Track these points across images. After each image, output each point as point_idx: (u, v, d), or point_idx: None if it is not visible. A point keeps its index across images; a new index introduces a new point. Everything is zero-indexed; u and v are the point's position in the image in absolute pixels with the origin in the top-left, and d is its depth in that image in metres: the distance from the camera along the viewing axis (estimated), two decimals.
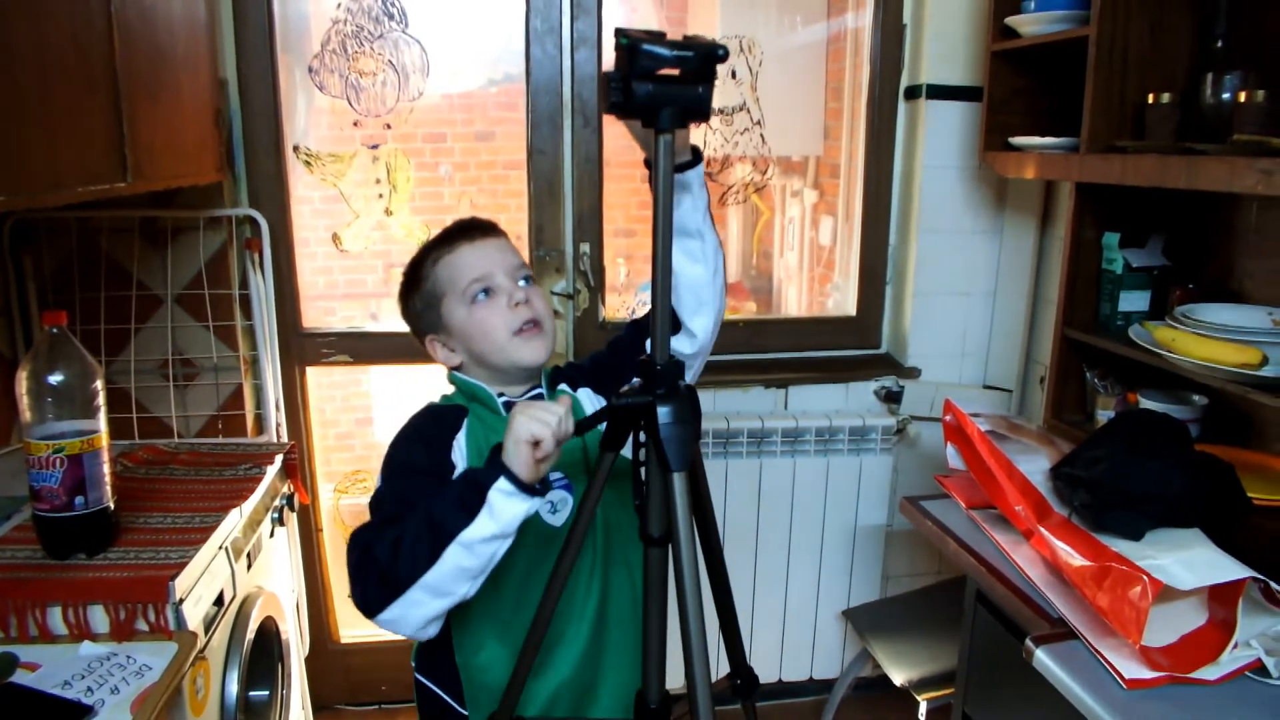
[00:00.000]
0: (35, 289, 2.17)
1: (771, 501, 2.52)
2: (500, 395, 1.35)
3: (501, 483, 1.07)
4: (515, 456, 1.08)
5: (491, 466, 1.09)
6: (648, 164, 1.29)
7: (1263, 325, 1.68)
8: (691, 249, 1.30)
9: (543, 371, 1.39)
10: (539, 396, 1.36)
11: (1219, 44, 1.79)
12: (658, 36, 0.99)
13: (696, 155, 1.27)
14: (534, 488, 1.09)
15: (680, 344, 1.36)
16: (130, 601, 1.43)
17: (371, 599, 1.10)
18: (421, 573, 1.08)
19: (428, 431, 1.30)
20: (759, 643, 2.62)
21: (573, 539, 1.17)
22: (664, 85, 0.99)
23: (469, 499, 1.08)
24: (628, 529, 1.33)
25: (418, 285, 1.37)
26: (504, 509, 1.07)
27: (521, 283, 1.34)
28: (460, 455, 1.29)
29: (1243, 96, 1.57)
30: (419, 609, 1.10)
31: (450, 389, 1.40)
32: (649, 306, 1.18)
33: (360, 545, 1.13)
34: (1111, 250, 1.99)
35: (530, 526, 1.27)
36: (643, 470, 1.14)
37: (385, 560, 1.09)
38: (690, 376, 1.37)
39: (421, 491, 1.16)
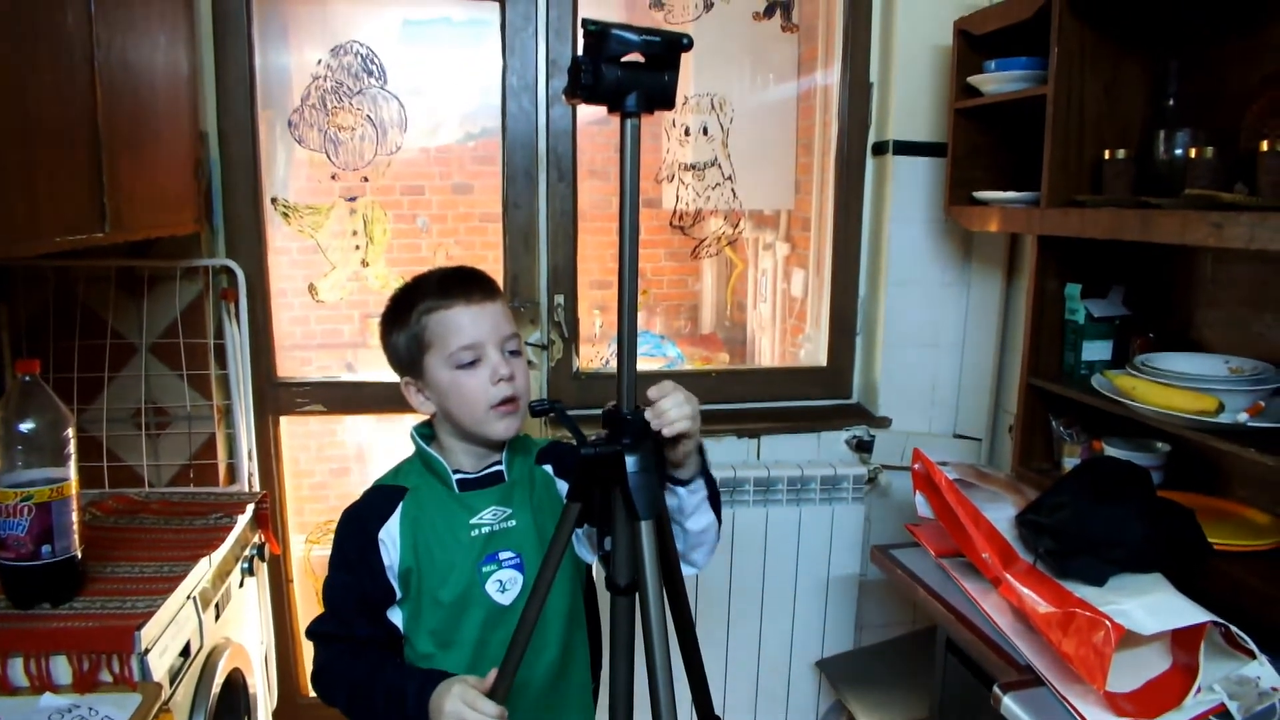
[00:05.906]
0: (9, 337, 2.17)
1: (744, 551, 2.51)
2: (456, 472, 1.35)
3: None
4: None
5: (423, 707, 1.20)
6: None
7: (1219, 373, 1.72)
8: (704, 538, 1.34)
9: (525, 444, 1.42)
10: (497, 475, 1.37)
11: (1171, 102, 1.86)
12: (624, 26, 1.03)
13: (703, 468, 1.30)
14: None
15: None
16: (94, 652, 1.41)
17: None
18: None
19: (355, 534, 1.34)
20: (733, 694, 2.61)
21: (534, 600, 1.18)
22: (631, 71, 1.02)
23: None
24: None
25: (403, 326, 1.34)
26: None
27: (509, 354, 1.33)
28: (391, 539, 1.32)
29: (1193, 152, 1.62)
30: None
31: (410, 448, 1.40)
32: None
33: (319, 664, 1.33)
34: (1074, 301, 2.03)
35: (480, 605, 1.31)
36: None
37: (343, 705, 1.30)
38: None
39: (350, 597, 1.32)
